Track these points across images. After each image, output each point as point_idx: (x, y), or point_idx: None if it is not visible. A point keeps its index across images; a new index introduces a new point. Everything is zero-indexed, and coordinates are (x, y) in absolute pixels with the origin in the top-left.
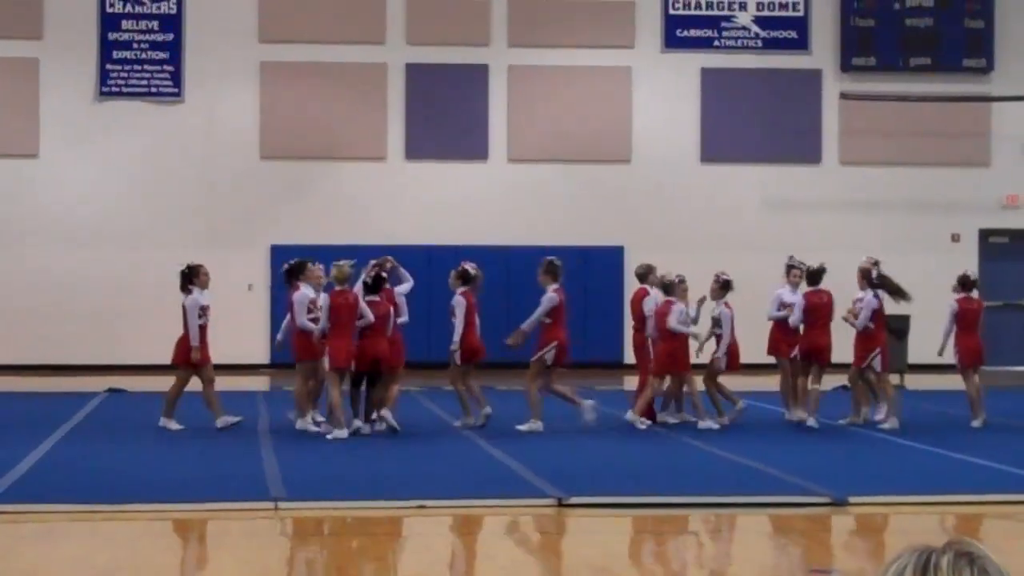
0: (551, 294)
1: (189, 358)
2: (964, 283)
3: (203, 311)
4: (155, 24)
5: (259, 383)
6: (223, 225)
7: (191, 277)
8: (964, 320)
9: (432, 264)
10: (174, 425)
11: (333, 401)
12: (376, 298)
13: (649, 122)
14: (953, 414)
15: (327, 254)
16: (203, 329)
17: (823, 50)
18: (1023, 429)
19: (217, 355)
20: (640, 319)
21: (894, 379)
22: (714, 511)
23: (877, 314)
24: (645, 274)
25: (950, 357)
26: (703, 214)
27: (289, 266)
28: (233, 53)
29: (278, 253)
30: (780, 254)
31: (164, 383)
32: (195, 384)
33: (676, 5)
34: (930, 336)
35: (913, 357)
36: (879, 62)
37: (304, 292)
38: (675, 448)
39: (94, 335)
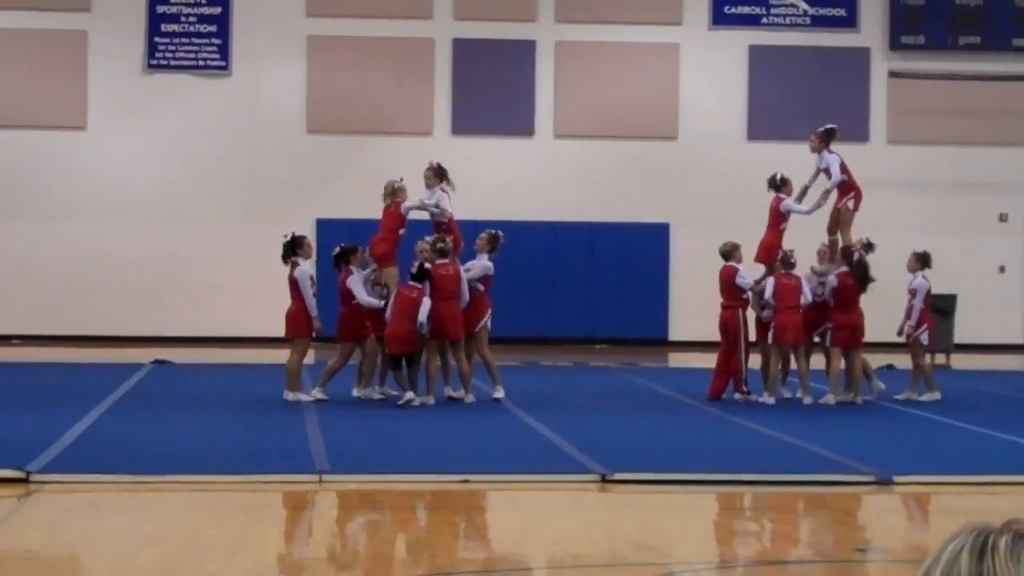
0: (488, 262)
1: (306, 329)
2: (926, 261)
3: (312, 281)
4: None
5: (308, 357)
6: (269, 199)
7: (295, 248)
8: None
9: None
10: (305, 396)
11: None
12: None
13: (696, 99)
14: (998, 393)
15: (372, 229)
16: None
17: (872, 28)
18: None
19: (260, 327)
20: (733, 296)
21: (940, 359)
22: (759, 488)
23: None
24: (730, 252)
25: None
26: (749, 192)
27: (341, 249)
28: (280, 27)
29: (324, 227)
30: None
31: (210, 355)
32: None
33: None
34: (977, 316)
35: (959, 337)
36: (928, 40)
37: (357, 274)
38: (719, 426)
39: (141, 307)
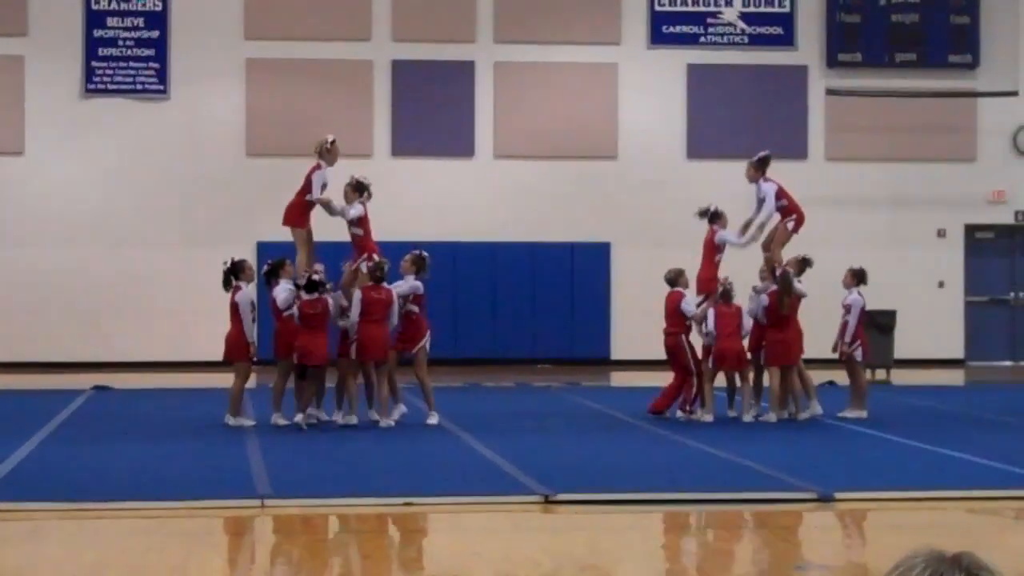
0: (417, 281)
1: (245, 353)
2: (861, 277)
3: (252, 306)
4: (140, 21)
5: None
6: (209, 222)
7: (236, 273)
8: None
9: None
10: (247, 421)
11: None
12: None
13: (635, 119)
14: (938, 409)
15: (317, 249)
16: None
17: (809, 46)
18: (1007, 424)
19: (201, 352)
20: (677, 322)
21: (880, 374)
22: (701, 507)
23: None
24: (676, 278)
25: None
26: (689, 210)
27: (270, 265)
28: (219, 50)
29: (265, 250)
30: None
31: (152, 380)
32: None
33: (662, 1)
34: (917, 331)
35: (899, 352)
36: (865, 58)
37: (282, 283)
38: (662, 444)
39: (79, 332)
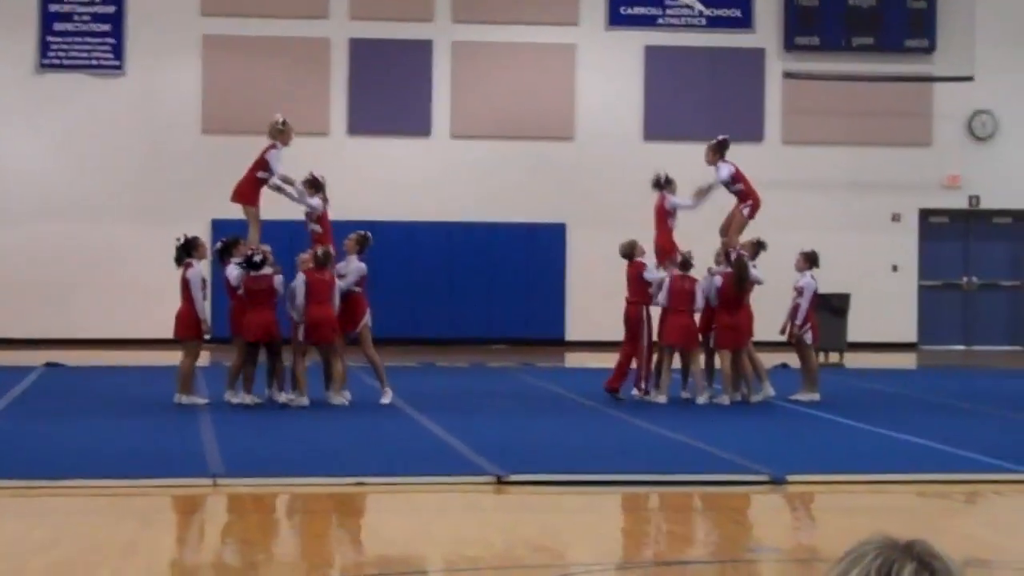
0: (361, 263)
1: (196, 331)
2: (814, 260)
3: (203, 284)
4: None
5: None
6: (164, 199)
7: (189, 250)
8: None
9: (374, 240)
10: (200, 400)
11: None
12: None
13: (593, 100)
14: (890, 392)
15: (268, 229)
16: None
17: (766, 29)
18: (959, 409)
19: (156, 330)
20: (640, 291)
21: (833, 357)
22: (655, 489)
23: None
24: (632, 250)
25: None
26: (646, 192)
27: (223, 243)
28: (175, 26)
29: (220, 227)
30: (716, 234)
31: (105, 357)
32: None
33: None
34: (870, 315)
35: (853, 335)
36: (822, 42)
37: (232, 264)
38: (616, 426)
39: (32, 309)
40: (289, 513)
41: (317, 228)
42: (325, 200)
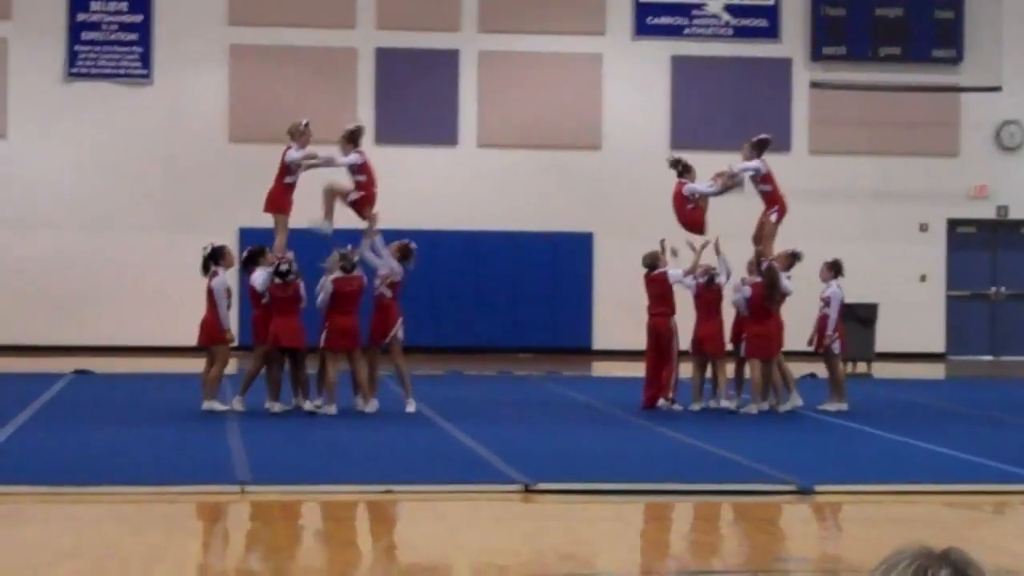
0: (398, 265)
1: (217, 339)
2: (838, 269)
3: (228, 293)
4: (124, 5)
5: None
6: (191, 207)
7: (216, 259)
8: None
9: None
10: (219, 406)
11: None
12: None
13: (619, 109)
14: (918, 402)
15: (295, 238)
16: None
17: (793, 39)
18: (987, 419)
19: (183, 337)
20: (665, 302)
21: (861, 367)
22: (682, 498)
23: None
24: (655, 260)
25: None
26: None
27: (249, 252)
28: (202, 36)
29: (247, 236)
30: (749, 243)
31: (132, 365)
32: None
33: None
34: (898, 325)
35: (880, 345)
36: (849, 52)
37: (259, 270)
38: (643, 435)
39: (61, 316)
40: (317, 520)
41: (361, 178)
42: (359, 153)
